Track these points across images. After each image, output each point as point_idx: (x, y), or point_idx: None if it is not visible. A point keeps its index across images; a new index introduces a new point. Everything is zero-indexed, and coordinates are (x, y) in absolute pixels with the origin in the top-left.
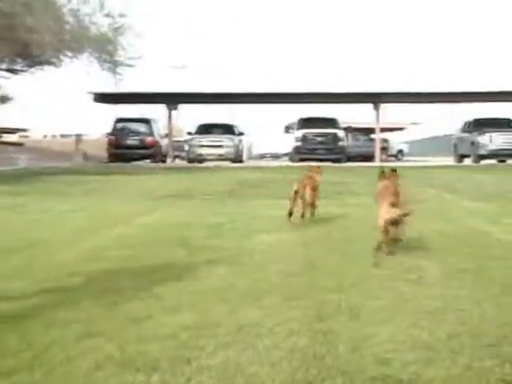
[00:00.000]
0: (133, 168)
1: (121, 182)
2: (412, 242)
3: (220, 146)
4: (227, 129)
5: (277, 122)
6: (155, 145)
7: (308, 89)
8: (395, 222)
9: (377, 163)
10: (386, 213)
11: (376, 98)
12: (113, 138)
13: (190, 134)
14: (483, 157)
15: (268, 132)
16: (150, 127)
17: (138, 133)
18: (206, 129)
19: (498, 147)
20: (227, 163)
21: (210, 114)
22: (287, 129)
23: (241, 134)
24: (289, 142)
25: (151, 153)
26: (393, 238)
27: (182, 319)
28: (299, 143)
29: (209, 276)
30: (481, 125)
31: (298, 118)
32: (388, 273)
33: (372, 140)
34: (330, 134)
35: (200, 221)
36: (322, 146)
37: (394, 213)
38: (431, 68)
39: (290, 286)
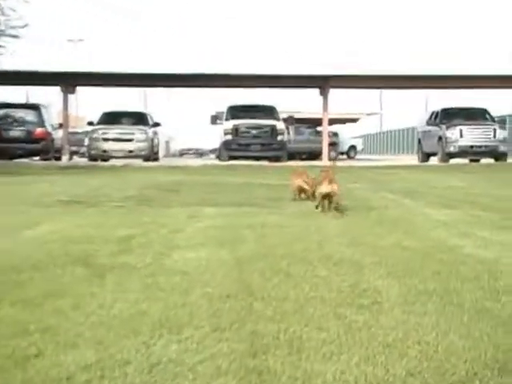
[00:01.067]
0: (17, 167)
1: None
2: (366, 258)
3: (129, 140)
4: (139, 118)
5: (201, 110)
6: (46, 137)
7: (240, 70)
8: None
9: (324, 162)
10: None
11: (323, 82)
12: None
13: (91, 124)
14: (452, 155)
15: (190, 123)
16: (40, 115)
17: (23, 122)
18: (111, 118)
19: (470, 143)
20: (139, 162)
21: (117, 101)
22: (214, 119)
23: (156, 124)
24: (216, 136)
25: (41, 148)
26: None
27: (81, 357)
28: (229, 137)
29: (115, 302)
30: (450, 116)
31: (228, 105)
32: (336, 296)
33: (319, 134)
34: (266, 125)
35: (105, 234)
36: (257, 141)
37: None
38: (392, 47)
39: (219, 314)
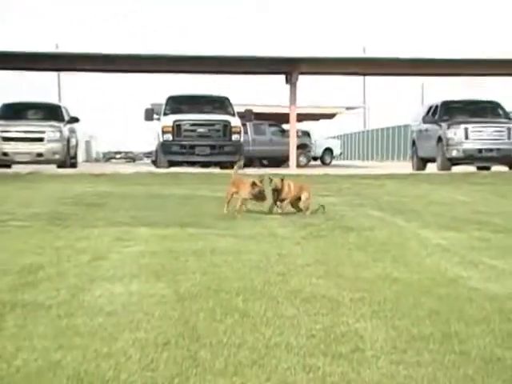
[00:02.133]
0: None
1: None
2: (344, 294)
3: (39, 140)
4: (50, 112)
5: (133, 102)
6: None
7: (184, 51)
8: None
9: (292, 169)
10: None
11: (290, 66)
12: None
13: None
14: (455, 161)
15: (119, 118)
16: None
17: None
18: (14, 111)
19: (478, 146)
20: (52, 168)
21: (21, 89)
22: (149, 114)
23: (73, 120)
24: (152, 136)
25: None
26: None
27: None
28: (168, 137)
29: (18, 352)
30: (452, 111)
31: (167, 96)
32: (306, 342)
33: (285, 133)
34: (217, 122)
35: (5, 262)
36: (204, 142)
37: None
38: (376, 26)
39: (154, 366)
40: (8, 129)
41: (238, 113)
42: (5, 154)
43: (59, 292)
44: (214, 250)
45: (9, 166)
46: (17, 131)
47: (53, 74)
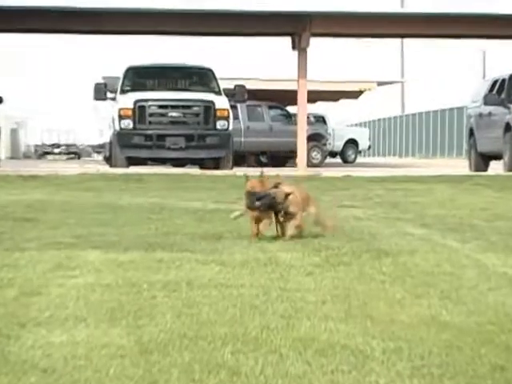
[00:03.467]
0: None
1: None
2: (376, 343)
3: None
4: None
5: (80, 77)
6: None
7: (156, 3)
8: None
9: (301, 169)
10: None
11: (298, 24)
12: None
13: None
14: None
15: (58, 99)
16: None
17: None
18: None
19: None
20: None
21: None
22: (101, 90)
23: None
24: (105, 123)
25: None
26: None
27: None
28: (127, 123)
29: None
30: None
31: (126, 67)
32: None
33: (291, 119)
34: (196, 103)
35: None
36: (178, 131)
37: None
38: None
39: None
40: None
41: (226, 90)
42: None
43: None
44: (191, 281)
45: None
46: None
47: None
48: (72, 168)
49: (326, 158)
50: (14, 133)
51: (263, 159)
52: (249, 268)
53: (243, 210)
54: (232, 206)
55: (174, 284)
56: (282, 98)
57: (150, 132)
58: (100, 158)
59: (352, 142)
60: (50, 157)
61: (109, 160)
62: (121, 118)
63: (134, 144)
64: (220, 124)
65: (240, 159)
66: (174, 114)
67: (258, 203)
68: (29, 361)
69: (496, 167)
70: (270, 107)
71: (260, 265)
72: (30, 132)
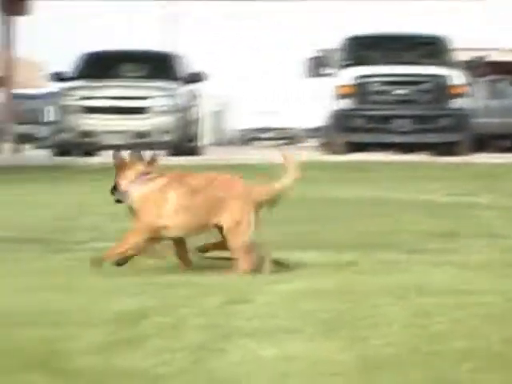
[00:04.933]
0: None
1: None
2: None
3: (138, 111)
4: (157, 64)
5: (287, 51)
6: None
7: None
8: None
9: None
10: None
11: None
12: None
13: (60, 78)
14: None
15: (265, 76)
16: None
17: None
18: (99, 65)
19: None
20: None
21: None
22: (315, 66)
23: (195, 78)
24: (319, 103)
25: None
26: None
27: None
28: (347, 104)
29: None
30: None
31: (345, 37)
32: None
33: None
34: (426, 78)
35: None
36: (405, 112)
37: None
38: None
39: None
40: (91, 93)
41: (461, 63)
42: (86, 133)
43: (174, 355)
44: (420, 287)
45: (92, 154)
46: (104, 97)
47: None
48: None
49: None
50: (217, 115)
51: (507, 143)
52: (490, 271)
53: None
54: (470, 198)
55: (400, 290)
56: None
57: (372, 113)
58: (315, 143)
59: None
60: (257, 142)
61: (325, 146)
62: (339, 96)
63: (355, 127)
64: (454, 103)
65: (478, 144)
66: (400, 91)
67: None
68: (235, 378)
69: None
70: None
71: (504, 266)
72: (235, 114)
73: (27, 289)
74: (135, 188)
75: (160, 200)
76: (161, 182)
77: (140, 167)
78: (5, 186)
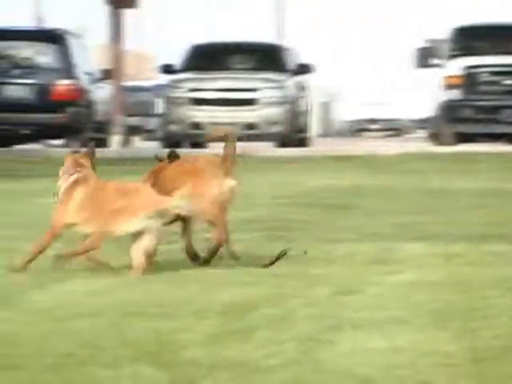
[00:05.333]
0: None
1: None
2: None
3: (247, 103)
4: (266, 56)
5: (393, 40)
6: (77, 99)
7: None
8: None
9: None
10: None
11: None
12: None
13: (169, 71)
14: None
15: (371, 66)
16: (64, 54)
17: (31, 68)
18: (207, 57)
19: None
20: (267, 147)
21: (207, 23)
22: (423, 56)
23: (303, 69)
24: (429, 93)
25: (67, 120)
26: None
27: None
28: (455, 94)
29: None
30: None
31: (453, 27)
32: None
33: None
34: None
35: (191, 299)
36: None
37: None
38: None
39: None
40: (200, 85)
41: None
42: (195, 125)
43: (283, 346)
44: None
45: (202, 145)
46: (213, 89)
47: None
48: (391, 147)
49: None
50: (325, 106)
51: None
52: None
53: None
54: None
55: (509, 281)
56: None
57: (481, 103)
58: (423, 134)
59: None
60: (366, 134)
61: (434, 137)
62: (447, 87)
63: (463, 117)
64: None
65: None
66: (509, 81)
67: None
68: (345, 369)
69: None
70: None
71: None
72: (343, 106)
73: (137, 281)
74: (59, 183)
75: (67, 197)
76: (73, 178)
77: (69, 161)
78: (114, 177)
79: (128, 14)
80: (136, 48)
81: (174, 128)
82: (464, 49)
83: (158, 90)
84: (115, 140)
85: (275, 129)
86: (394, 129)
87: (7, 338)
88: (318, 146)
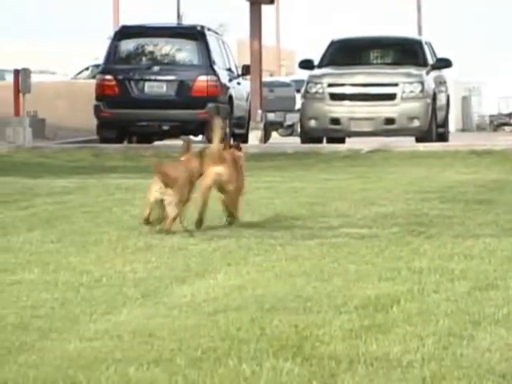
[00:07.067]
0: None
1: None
2: None
3: (387, 98)
4: (404, 51)
5: None
6: (217, 95)
7: None
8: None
9: None
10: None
11: None
12: (107, 78)
13: (307, 66)
14: None
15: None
16: (205, 52)
17: (172, 65)
18: (345, 53)
19: None
20: (406, 142)
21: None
22: None
23: (441, 64)
24: None
25: (206, 117)
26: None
27: None
28: None
29: None
30: None
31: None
32: None
33: None
34: None
35: (331, 293)
36: None
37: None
38: None
39: None
40: (339, 80)
41: None
42: (335, 120)
43: (422, 341)
44: None
45: (342, 140)
46: (352, 84)
47: None
48: None
49: None
50: (465, 101)
51: None
52: None
53: None
54: None
55: None
56: None
57: None
58: None
59: None
60: (507, 128)
61: None
62: None
63: None
64: None
65: None
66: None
67: None
68: (484, 364)
69: None
70: None
71: None
72: (484, 100)
73: (280, 275)
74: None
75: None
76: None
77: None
78: (255, 172)
79: (268, 9)
80: (276, 44)
81: (312, 123)
82: None
83: (297, 85)
84: (255, 135)
85: (414, 124)
86: None
87: (152, 331)
88: (458, 141)
